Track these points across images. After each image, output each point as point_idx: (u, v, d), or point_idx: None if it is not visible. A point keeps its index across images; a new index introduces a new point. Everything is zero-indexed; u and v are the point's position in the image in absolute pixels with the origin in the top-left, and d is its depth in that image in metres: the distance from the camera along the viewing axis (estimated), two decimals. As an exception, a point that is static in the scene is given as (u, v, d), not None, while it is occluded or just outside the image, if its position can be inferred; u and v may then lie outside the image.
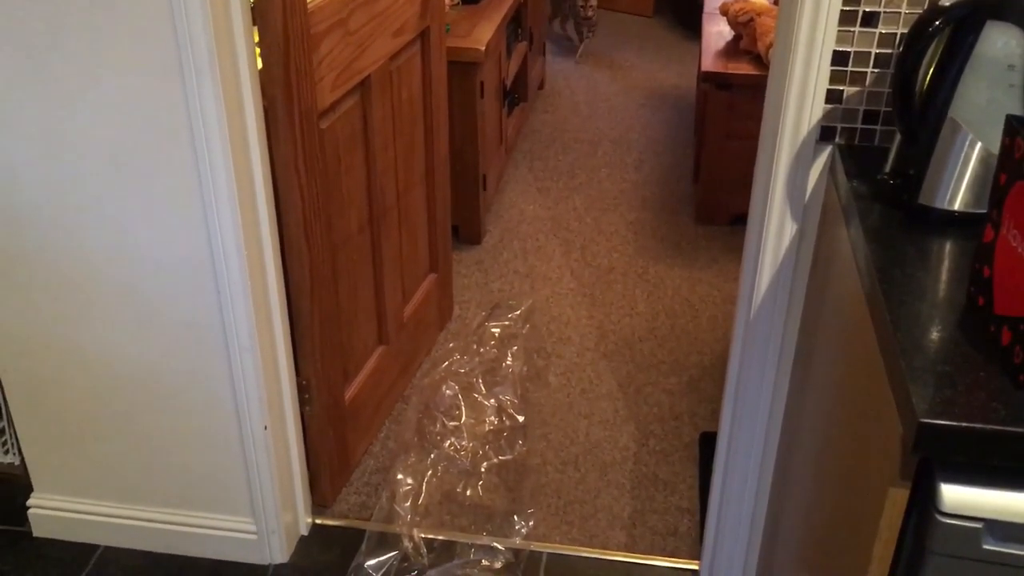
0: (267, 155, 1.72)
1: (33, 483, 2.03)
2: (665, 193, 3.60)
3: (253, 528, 1.97)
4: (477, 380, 2.27)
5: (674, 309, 2.91)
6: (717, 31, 3.41)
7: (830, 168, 1.44)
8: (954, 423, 0.88)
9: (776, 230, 1.51)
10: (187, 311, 1.75)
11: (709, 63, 3.16)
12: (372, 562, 1.91)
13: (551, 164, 3.83)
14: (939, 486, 0.93)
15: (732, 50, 3.24)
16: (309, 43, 1.75)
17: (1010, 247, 0.96)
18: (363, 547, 1.96)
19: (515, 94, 3.93)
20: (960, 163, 1.17)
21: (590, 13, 4.62)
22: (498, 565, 1.95)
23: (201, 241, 1.67)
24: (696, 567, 2.00)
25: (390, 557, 1.93)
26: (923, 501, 0.96)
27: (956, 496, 0.93)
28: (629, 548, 2.07)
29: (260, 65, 1.68)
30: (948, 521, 0.93)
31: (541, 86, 4.53)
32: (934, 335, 1.00)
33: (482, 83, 3.02)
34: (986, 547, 0.94)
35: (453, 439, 2.22)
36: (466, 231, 3.22)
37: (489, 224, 3.35)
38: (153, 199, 1.65)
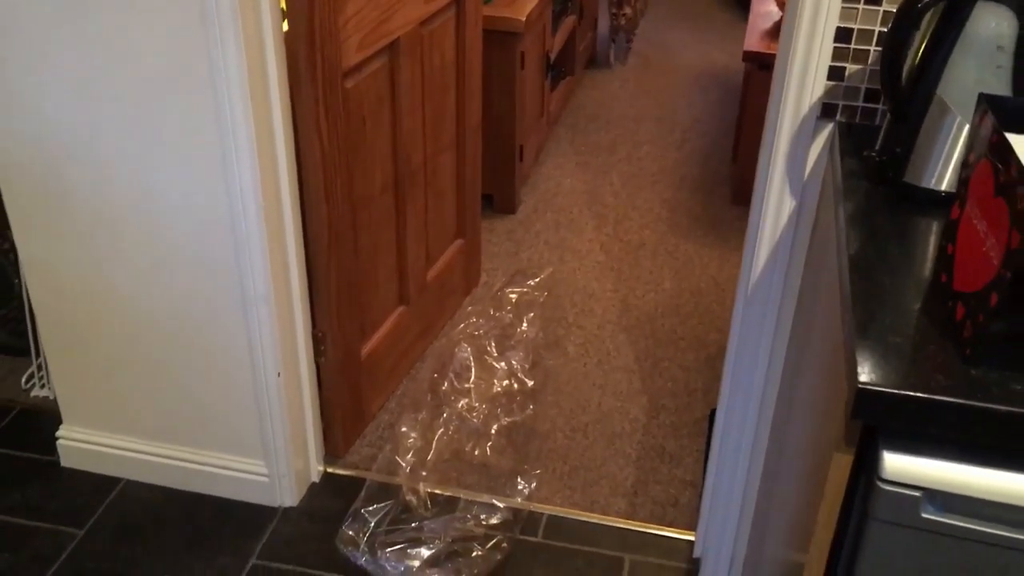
0: (289, 110, 1.78)
1: (63, 416, 2.14)
2: (704, 172, 3.59)
3: (265, 471, 2.05)
4: (490, 343, 2.32)
5: (700, 287, 2.92)
6: (765, 11, 3.38)
7: (831, 146, 1.45)
8: (891, 390, 0.90)
9: (775, 206, 1.52)
10: (206, 257, 1.82)
11: (753, 43, 3.14)
12: (370, 508, 1.97)
13: (593, 139, 3.84)
14: (881, 453, 0.95)
15: (778, 30, 3.21)
16: (336, 2, 1.80)
17: (971, 224, 0.97)
18: (362, 494, 2.02)
19: (561, 68, 3.95)
20: (946, 144, 1.18)
21: (622, 21, 4.40)
22: (495, 521, 2.01)
23: (220, 190, 1.74)
24: (692, 537, 2.03)
25: (387, 504, 1.99)
26: (868, 468, 0.98)
27: (897, 464, 0.94)
28: (629, 515, 2.10)
29: (286, 27, 1.74)
30: (888, 488, 0.95)
31: (590, 61, 4.53)
32: (894, 308, 1.02)
33: (523, 54, 3.05)
34: (924, 515, 0.95)
35: (465, 399, 2.27)
36: (500, 200, 3.26)
37: (525, 195, 3.38)
38: (176, 148, 1.72)
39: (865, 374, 0.91)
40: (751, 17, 3.38)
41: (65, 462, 2.17)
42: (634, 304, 2.83)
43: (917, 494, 0.95)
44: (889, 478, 0.95)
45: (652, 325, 2.74)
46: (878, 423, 0.94)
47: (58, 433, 2.15)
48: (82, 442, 2.13)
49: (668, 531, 2.06)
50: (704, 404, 2.44)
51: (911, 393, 0.89)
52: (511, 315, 2.43)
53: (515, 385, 2.29)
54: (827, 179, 1.46)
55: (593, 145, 3.79)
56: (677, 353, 2.63)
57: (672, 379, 2.53)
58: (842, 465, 0.99)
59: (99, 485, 2.12)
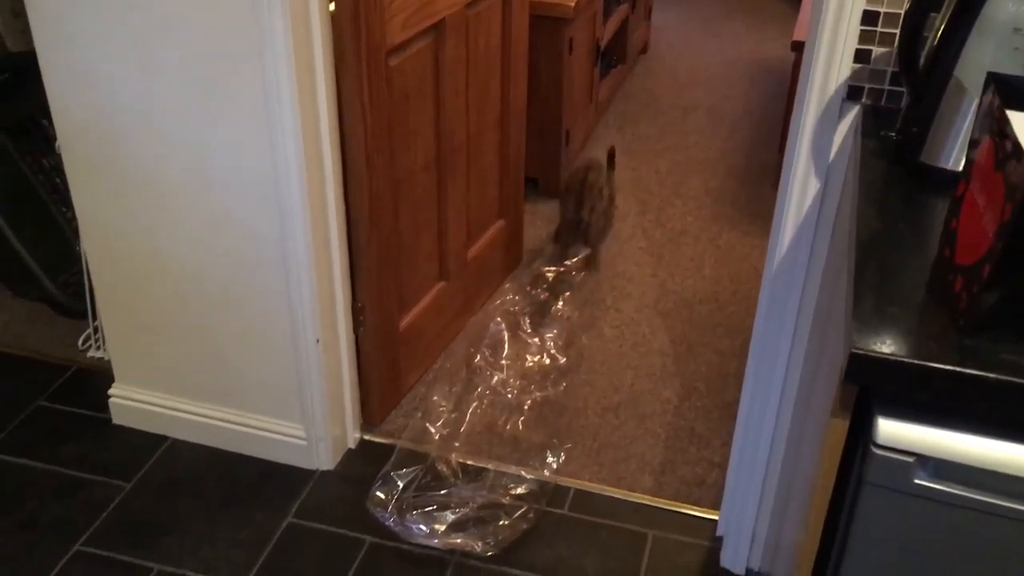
0: (334, 86, 1.85)
1: (115, 375, 2.25)
2: (751, 163, 3.59)
3: (303, 435, 2.13)
4: (525, 320, 2.37)
5: (740, 275, 2.93)
6: (817, 2, 3.37)
7: (855, 128, 1.47)
8: (882, 355, 0.93)
9: (800, 187, 1.54)
10: (251, 226, 1.90)
11: (802, 32, 3.13)
12: (400, 472, 2.04)
13: (641, 127, 3.86)
14: (876, 419, 0.98)
15: (829, 21, 3.20)
16: (381, -17, 1.86)
17: (974, 200, 0.99)
18: (393, 458, 2.09)
19: (613, 55, 3.98)
20: (962, 125, 1.19)
21: (573, 244, 2.91)
22: (522, 491, 2.06)
23: (266, 162, 1.81)
24: (716, 517, 2.06)
25: (417, 470, 2.05)
26: (864, 434, 1.01)
27: (891, 430, 0.97)
28: (655, 493, 2.14)
29: (333, 6, 1.80)
30: (882, 453, 0.98)
31: (643, 50, 4.54)
32: (897, 281, 1.04)
33: (571, 40, 3.08)
34: (917, 481, 0.98)
35: (499, 374, 2.33)
36: (545, 184, 3.30)
37: (570, 180, 3.42)
38: (225, 122, 1.80)
39: (859, 339, 0.94)
40: (802, 6, 3.37)
41: (116, 419, 2.27)
42: (673, 289, 2.85)
43: (910, 460, 0.98)
44: (883, 443, 0.98)
45: (690, 310, 2.76)
46: (871, 387, 0.97)
47: (110, 392, 2.26)
48: (132, 401, 2.24)
49: (693, 509, 2.09)
50: (737, 389, 2.45)
51: (902, 358, 0.92)
52: (546, 293, 2.47)
53: (548, 362, 2.33)
54: (852, 160, 1.48)
55: (641, 133, 3.81)
56: (713, 338, 2.65)
57: (707, 363, 2.56)
58: (838, 430, 1.02)
59: (147, 442, 2.22)
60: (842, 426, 1.01)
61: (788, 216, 1.57)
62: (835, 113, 1.47)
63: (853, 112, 1.47)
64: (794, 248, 1.60)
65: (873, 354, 0.93)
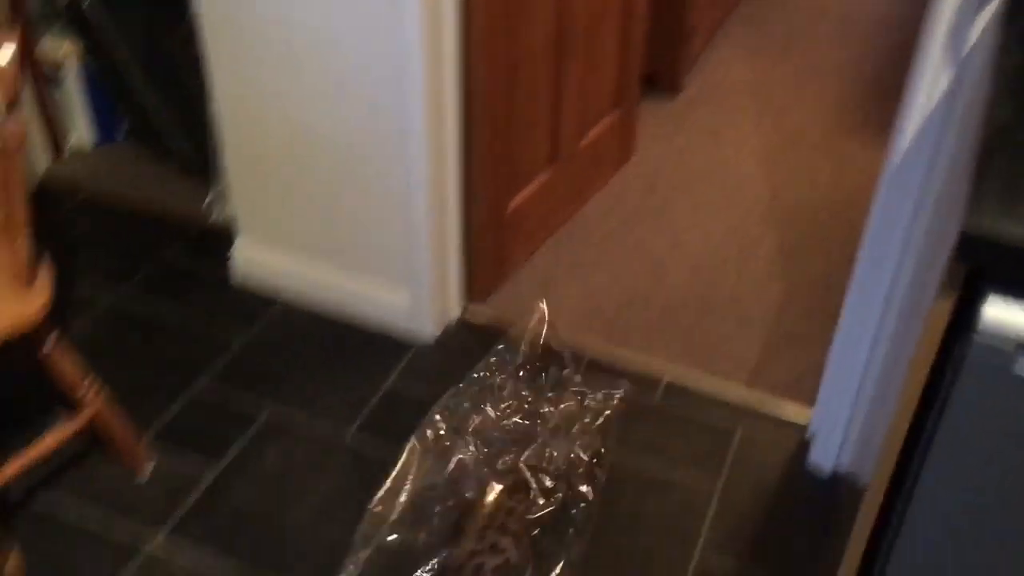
0: (458, -44, 1.85)
1: (237, 233, 2.35)
2: (881, 72, 3.44)
3: (408, 302, 2.20)
4: (629, 214, 2.36)
5: (858, 185, 2.84)
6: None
7: (999, 16, 1.39)
8: (997, 235, 0.90)
9: (931, 78, 1.48)
10: (372, 94, 1.94)
11: (953, -68, 2.93)
12: (493, 358, 2.08)
13: (771, 29, 3.72)
14: (981, 303, 0.96)
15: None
16: None
17: (1117, 82, 0.94)
18: (490, 340, 2.14)
19: (745, -48, 3.82)
20: (1116, 10, 1.12)
21: None
22: (615, 380, 2.09)
23: (389, 30, 1.84)
24: (807, 420, 2.05)
25: (515, 355, 2.10)
26: (969, 320, 0.99)
27: (995, 313, 0.95)
28: (748, 389, 2.14)
29: None
30: (983, 339, 0.96)
31: (779, -50, 4.33)
32: (1022, 165, 1.00)
33: (704, -70, 2.97)
34: (1017, 372, 0.96)
35: (602, 268, 2.34)
36: (664, 81, 3.23)
37: (691, 79, 3.34)
38: (352, -16, 1.83)
39: (973, 217, 0.92)
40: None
41: (235, 278, 2.39)
42: (785, 196, 2.79)
43: (1011, 347, 0.96)
44: (985, 328, 0.96)
45: (800, 218, 2.70)
46: (982, 268, 0.95)
47: (231, 251, 2.37)
48: (251, 260, 2.35)
49: (783, 410, 2.10)
50: (843, 296, 2.41)
51: (1016, 241, 0.90)
52: (655, 191, 2.46)
53: (651, 258, 2.33)
54: (991, 52, 1.40)
55: (770, 36, 3.68)
56: (823, 246, 2.60)
57: (813, 271, 2.51)
58: (941, 310, 1.00)
59: (262, 301, 2.33)
60: (946, 307, 0.99)
61: (915, 109, 1.52)
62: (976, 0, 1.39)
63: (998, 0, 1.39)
64: (918, 143, 1.54)
65: (987, 233, 0.91)
